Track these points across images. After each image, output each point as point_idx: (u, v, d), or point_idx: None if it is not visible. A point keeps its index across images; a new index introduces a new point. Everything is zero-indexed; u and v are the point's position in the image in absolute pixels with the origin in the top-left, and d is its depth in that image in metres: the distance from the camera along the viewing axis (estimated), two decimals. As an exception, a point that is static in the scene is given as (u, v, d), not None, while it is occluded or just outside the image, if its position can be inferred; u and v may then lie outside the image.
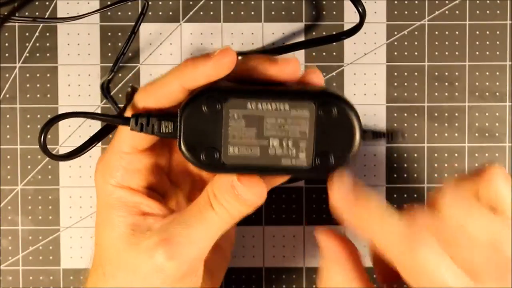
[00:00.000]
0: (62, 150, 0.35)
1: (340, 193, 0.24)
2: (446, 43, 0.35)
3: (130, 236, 0.25)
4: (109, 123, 0.28)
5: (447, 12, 0.35)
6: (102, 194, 0.26)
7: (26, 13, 0.35)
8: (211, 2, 0.36)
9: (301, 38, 0.36)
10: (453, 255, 0.21)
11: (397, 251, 0.22)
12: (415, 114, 0.35)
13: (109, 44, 0.36)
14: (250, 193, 0.24)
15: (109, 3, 0.36)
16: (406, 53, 0.35)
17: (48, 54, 0.36)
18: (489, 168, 0.24)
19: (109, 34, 0.36)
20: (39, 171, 0.35)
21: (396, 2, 0.35)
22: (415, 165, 0.35)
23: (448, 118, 0.35)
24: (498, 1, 0.35)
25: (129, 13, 0.35)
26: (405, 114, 0.35)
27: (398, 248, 0.22)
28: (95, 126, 0.35)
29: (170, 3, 0.36)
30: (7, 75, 0.35)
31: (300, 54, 0.35)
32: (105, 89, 0.34)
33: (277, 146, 0.24)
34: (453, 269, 0.21)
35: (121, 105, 0.35)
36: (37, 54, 0.36)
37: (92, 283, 0.27)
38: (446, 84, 0.35)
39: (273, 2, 0.35)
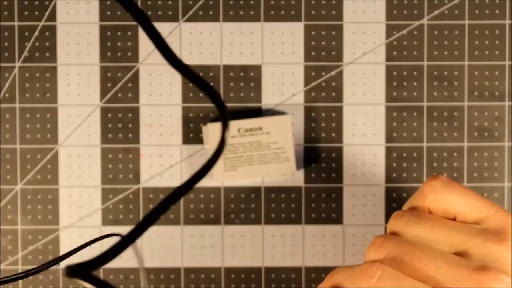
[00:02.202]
0: (62, 150, 0.36)
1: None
2: (445, 42, 0.35)
3: None
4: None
5: (446, 11, 0.35)
6: None
7: (26, 13, 0.35)
8: (211, 2, 0.36)
9: (300, 38, 0.36)
10: (416, 274, 0.21)
11: None
12: (414, 114, 0.35)
13: (108, 43, 0.36)
14: None
15: (108, 3, 0.36)
16: (405, 53, 0.35)
17: (47, 54, 0.36)
18: (428, 182, 0.24)
19: (109, 33, 0.36)
20: (39, 170, 0.36)
21: (395, 1, 0.35)
22: (414, 164, 0.36)
23: (447, 118, 0.35)
24: (497, 1, 0.35)
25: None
26: (404, 114, 0.35)
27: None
28: (95, 126, 0.36)
29: (170, 2, 0.36)
30: (6, 74, 0.36)
31: (299, 54, 0.35)
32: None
33: None
34: (414, 287, 0.21)
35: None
36: (37, 54, 0.36)
37: None
38: (445, 83, 0.35)
39: (272, 2, 0.36)
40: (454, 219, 0.23)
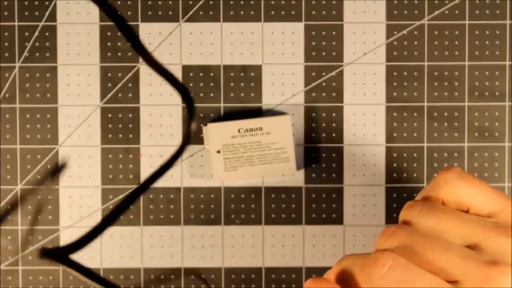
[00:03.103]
0: (62, 150, 0.36)
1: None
2: (446, 43, 0.35)
3: None
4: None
5: (446, 12, 0.35)
6: None
7: (26, 13, 0.35)
8: (211, 2, 0.36)
9: (301, 38, 0.36)
10: (427, 265, 0.21)
11: (361, 279, 0.21)
12: (415, 114, 0.35)
13: (109, 44, 0.36)
14: None
15: (108, 3, 0.36)
16: (405, 53, 0.35)
17: (47, 54, 0.36)
18: (442, 173, 0.23)
19: (109, 33, 0.36)
20: (39, 170, 0.35)
21: (395, 1, 0.35)
22: (415, 164, 0.35)
23: (448, 118, 0.35)
24: (497, 1, 0.35)
25: (129, 13, 0.35)
26: (405, 114, 0.35)
27: (360, 276, 0.21)
28: (95, 126, 0.36)
29: (170, 2, 0.36)
30: (6, 74, 0.36)
31: (299, 54, 0.35)
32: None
33: None
34: (425, 279, 0.20)
35: (121, 105, 0.35)
36: (37, 54, 0.36)
37: None
38: (446, 84, 0.35)
39: (272, 2, 0.35)
40: (467, 212, 0.23)
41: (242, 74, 0.36)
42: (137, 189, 0.18)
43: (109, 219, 0.17)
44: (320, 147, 0.35)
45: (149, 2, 0.35)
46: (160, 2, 0.36)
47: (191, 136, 0.19)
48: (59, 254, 0.17)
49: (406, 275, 0.21)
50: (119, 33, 0.36)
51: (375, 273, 0.21)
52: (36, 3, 0.35)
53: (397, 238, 0.22)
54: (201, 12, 0.36)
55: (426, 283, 0.20)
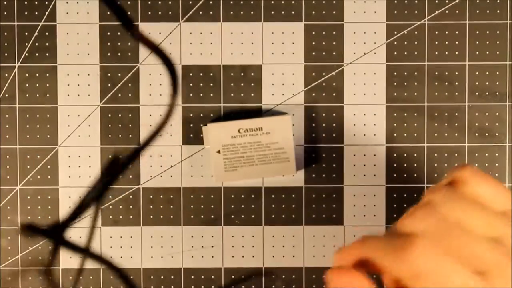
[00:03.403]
0: (62, 150, 0.36)
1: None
2: (446, 42, 0.35)
3: None
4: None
5: (447, 11, 0.35)
6: None
7: (26, 13, 0.35)
8: (211, 2, 0.35)
9: (301, 38, 0.35)
10: (454, 254, 0.21)
11: (389, 263, 0.21)
12: (415, 114, 0.35)
13: (108, 43, 0.36)
14: None
15: (108, 2, 0.36)
16: (406, 53, 0.35)
17: (47, 54, 0.36)
18: (455, 170, 0.23)
19: (109, 33, 0.36)
20: (38, 171, 0.35)
21: (396, 1, 0.35)
22: (415, 165, 0.35)
23: (448, 118, 0.35)
24: (498, 1, 0.35)
25: (129, 13, 0.35)
26: (405, 114, 0.35)
27: (388, 260, 0.21)
28: (95, 126, 0.36)
29: (170, 2, 0.35)
30: (6, 74, 0.35)
31: (300, 54, 0.35)
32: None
33: None
34: (453, 268, 0.21)
35: (121, 105, 0.35)
36: (37, 54, 0.36)
37: None
38: (446, 83, 0.35)
39: (272, 2, 0.35)
40: None
41: (242, 74, 0.35)
42: (124, 159, 0.18)
43: (96, 195, 0.18)
44: (320, 147, 0.35)
45: (149, 2, 0.35)
46: (160, 2, 0.35)
47: (177, 96, 0.19)
48: (43, 230, 0.17)
49: (437, 265, 0.20)
50: (119, 33, 0.36)
51: (405, 260, 0.21)
52: (36, 3, 0.35)
53: (424, 222, 0.22)
54: (201, 12, 0.36)
55: (456, 276, 0.20)
